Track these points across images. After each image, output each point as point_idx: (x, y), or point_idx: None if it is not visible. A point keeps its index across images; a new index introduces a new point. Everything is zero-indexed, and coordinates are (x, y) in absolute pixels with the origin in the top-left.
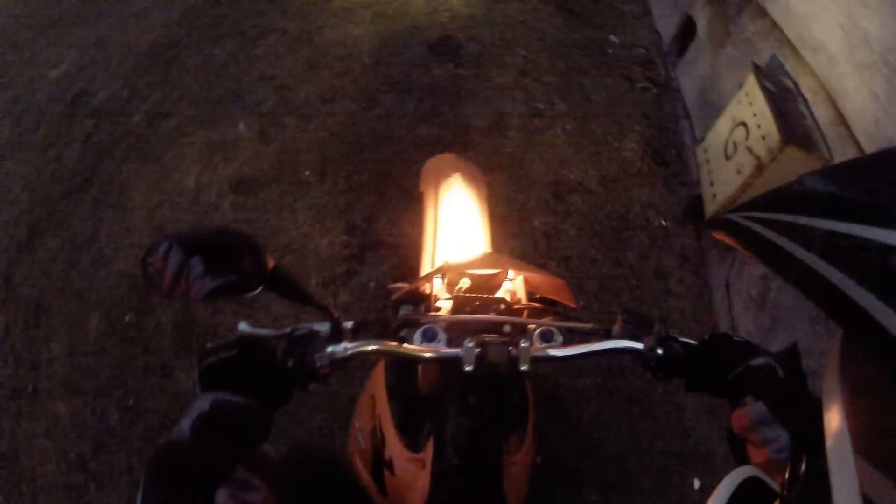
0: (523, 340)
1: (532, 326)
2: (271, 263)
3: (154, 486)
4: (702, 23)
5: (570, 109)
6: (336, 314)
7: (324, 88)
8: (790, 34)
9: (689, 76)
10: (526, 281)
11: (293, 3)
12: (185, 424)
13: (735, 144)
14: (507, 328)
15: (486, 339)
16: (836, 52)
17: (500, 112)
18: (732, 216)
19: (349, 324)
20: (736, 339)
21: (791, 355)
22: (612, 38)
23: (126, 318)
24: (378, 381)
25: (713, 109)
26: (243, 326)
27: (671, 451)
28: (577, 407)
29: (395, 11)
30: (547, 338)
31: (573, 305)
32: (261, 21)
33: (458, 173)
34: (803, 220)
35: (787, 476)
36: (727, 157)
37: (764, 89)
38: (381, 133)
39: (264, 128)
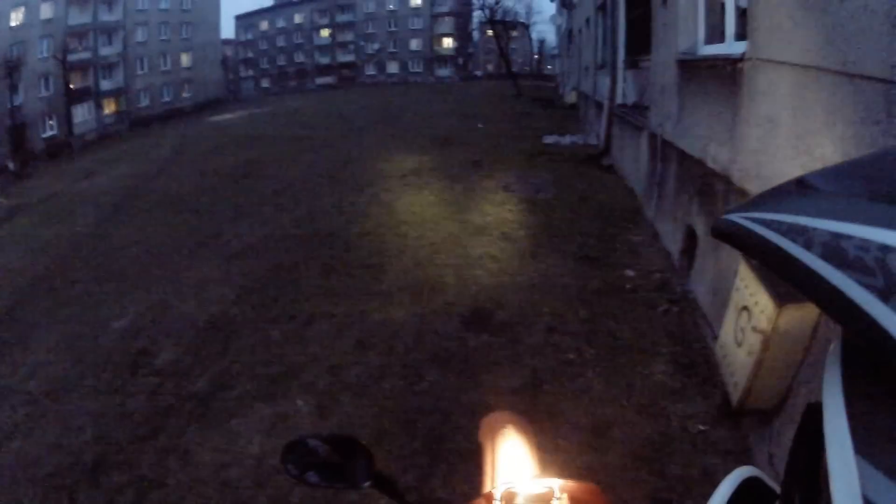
0: None
1: None
2: (378, 466)
3: None
4: (700, 228)
5: (599, 352)
6: None
7: (373, 367)
8: None
9: (701, 282)
10: (570, 498)
11: (338, 289)
12: None
13: (742, 330)
14: None
15: None
16: None
17: (533, 369)
18: (732, 217)
19: None
20: None
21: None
22: (629, 272)
23: None
24: None
25: (724, 307)
26: None
27: None
28: None
29: (430, 292)
30: None
31: None
32: (309, 305)
33: (510, 425)
34: (803, 220)
35: (787, 476)
36: (738, 345)
37: (754, 269)
38: (427, 405)
39: (321, 403)
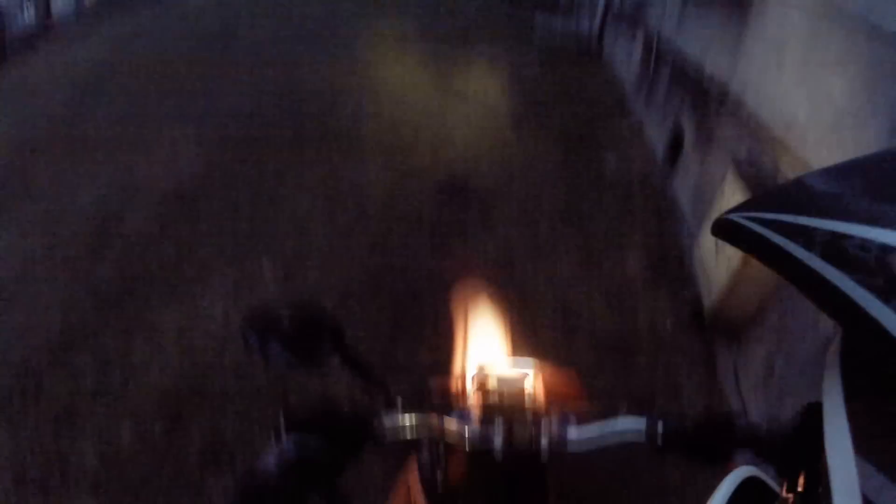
0: (543, 420)
1: (552, 415)
2: (346, 342)
3: None
4: (689, 129)
5: (573, 235)
6: (391, 392)
7: (341, 229)
8: (765, 117)
9: (683, 183)
10: (544, 381)
11: (310, 150)
12: (270, 459)
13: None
14: (528, 414)
15: (513, 418)
16: (805, 120)
17: (505, 245)
18: (732, 217)
19: (399, 400)
20: (736, 421)
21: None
22: (610, 158)
23: (156, 430)
24: (412, 471)
25: (706, 209)
26: None
27: None
28: None
29: (404, 157)
30: (563, 421)
31: (585, 401)
32: (281, 166)
33: (485, 295)
34: (803, 220)
35: (787, 476)
36: (717, 252)
37: (743, 178)
38: (396, 268)
39: (287, 265)
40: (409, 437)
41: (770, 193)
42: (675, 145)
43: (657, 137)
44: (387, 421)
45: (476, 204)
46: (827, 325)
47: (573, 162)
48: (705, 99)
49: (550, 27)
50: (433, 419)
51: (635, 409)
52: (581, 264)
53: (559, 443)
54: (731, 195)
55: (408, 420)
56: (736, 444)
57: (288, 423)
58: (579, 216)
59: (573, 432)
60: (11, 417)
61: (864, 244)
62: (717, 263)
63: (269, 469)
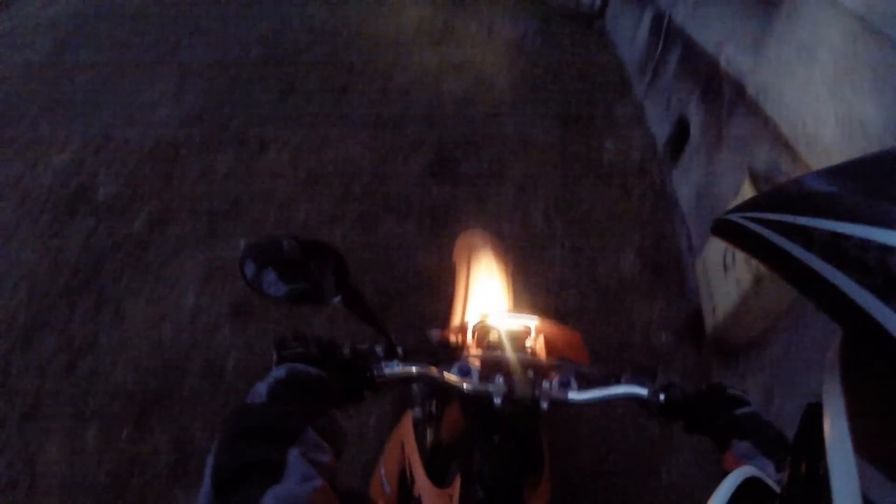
0: (545, 382)
1: (552, 373)
2: (351, 282)
3: (230, 443)
4: (695, 124)
5: (568, 226)
6: (392, 338)
7: (324, 208)
8: (785, 130)
9: (685, 181)
10: (546, 339)
11: (295, 113)
12: (262, 388)
13: (734, 255)
14: (530, 373)
15: (514, 376)
16: (831, 143)
17: (499, 233)
18: (732, 217)
19: (400, 349)
20: (730, 391)
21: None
22: (608, 145)
23: (123, 435)
24: (406, 426)
25: (710, 216)
26: None
27: None
28: None
29: (395, 127)
30: (564, 383)
31: (586, 362)
32: (262, 131)
33: (487, 245)
34: (803, 220)
35: (787, 476)
36: (725, 270)
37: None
38: (380, 260)
39: None
40: (407, 386)
41: (770, 193)
42: (679, 138)
43: (658, 126)
44: (386, 368)
45: (466, 184)
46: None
47: (571, 142)
48: (718, 95)
49: None
50: (433, 371)
51: (638, 376)
52: (573, 266)
53: (559, 402)
54: None
55: (405, 368)
56: (735, 428)
57: (282, 355)
58: (569, 205)
59: (573, 395)
60: None
61: (864, 244)
62: (726, 280)
63: (261, 398)
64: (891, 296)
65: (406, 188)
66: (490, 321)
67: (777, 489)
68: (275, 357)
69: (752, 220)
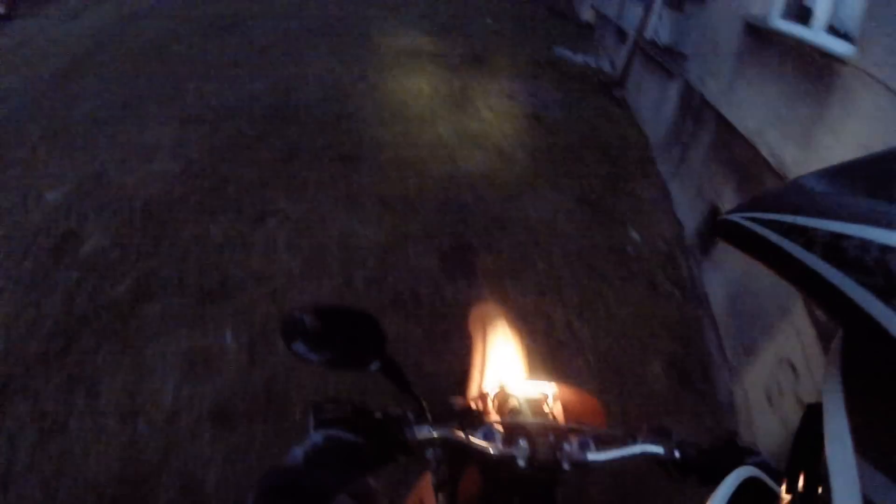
0: (565, 444)
1: (571, 436)
2: (387, 351)
3: (263, 501)
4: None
5: (593, 335)
6: (423, 405)
7: (324, 297)
8: None
9: (717, 279)
10: (563, 403)
11: (299, 180)
12: (299, 452)
13: (780, 388)
14: (551, 437)
15: (536, 440)
16: None
17: (520, 320)
18: (733, 217)
19: (429, 414)
20: (740, 442)
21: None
22: (633, 234)
23: None
24: (427, 488)
25: (747, 325)
26: None
27: None
28: None
29: (406, 209)
30: (584, 445)
31: (603, 425)
32: (262, 198)
33: (500, 316)
34: (803, 220)
35: (787, 476)
36: (770, 403)
37: (815, 323)
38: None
39: (253, 342)
40: (435, 449)
41: (770, 194)
42: (710, 228)
43: (687, 213)
44: (418, 432)
45: (483, 281)
46: None
47: (594, 231)
48: (758, 183)
49: (570, 60)
50: (459, 434)
51: (654, 435)
52: (598, 378)
53: (579, 464)
54: (798, 337)
55: (436, 433)
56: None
57: (319, 420)
58: (593, 311)
59: (593, 456)
60: None
61: (864, 244)
62: (771, 415)
63: (297, 461)
64: (891, 296)
65: (415, 282)
66: (509, 388)
67: (777, 489)
68: (312, 421)
69: (753, 220)
